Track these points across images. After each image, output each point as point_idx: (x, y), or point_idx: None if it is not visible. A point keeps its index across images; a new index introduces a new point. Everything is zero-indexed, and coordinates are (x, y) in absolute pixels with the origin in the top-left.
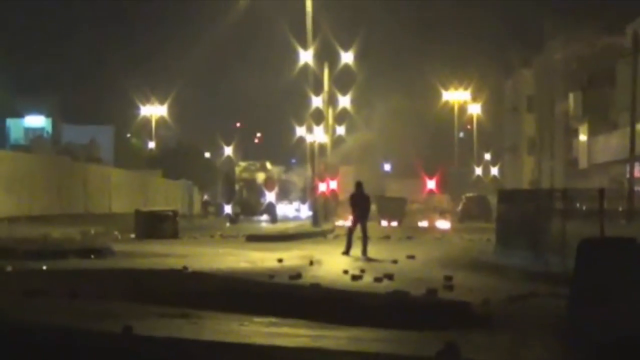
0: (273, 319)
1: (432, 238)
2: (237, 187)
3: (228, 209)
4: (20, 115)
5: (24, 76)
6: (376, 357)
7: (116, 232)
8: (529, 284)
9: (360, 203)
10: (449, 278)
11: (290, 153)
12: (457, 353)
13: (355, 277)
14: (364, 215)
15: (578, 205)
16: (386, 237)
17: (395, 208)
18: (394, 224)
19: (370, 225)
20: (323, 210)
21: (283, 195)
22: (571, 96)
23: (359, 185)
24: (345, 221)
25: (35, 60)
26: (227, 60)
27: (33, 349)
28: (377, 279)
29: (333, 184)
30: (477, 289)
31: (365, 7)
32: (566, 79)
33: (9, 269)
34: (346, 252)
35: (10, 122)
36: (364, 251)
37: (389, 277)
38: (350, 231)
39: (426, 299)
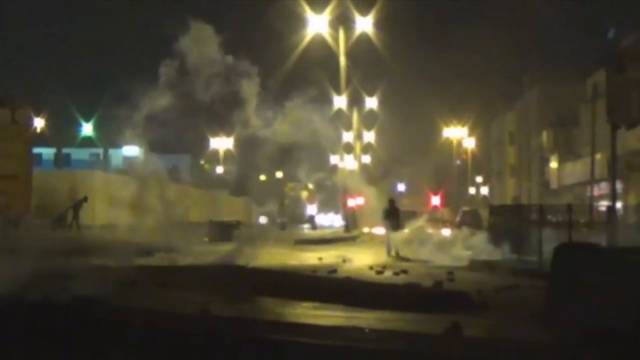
0: (316, 304)
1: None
2: (286, 201)
3: (279, 219)
4: (118, 146)
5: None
6: (397, 334)
7: (193, 238)
8: (513, 278)
9: (393, 215)
10: (451, 273)
11: (327, 177)
12: (460, 331)
13: (378, 272)
14: (396, 225)
15: (550, 217)
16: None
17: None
18: (405, 232)
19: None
20: (352, 220)
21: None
22: (544, 133)
23: (392, 202)
24: (369, 229)
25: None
26: (265, 103)
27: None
28: (396, 273)
29: (360, 200)
30: (473, 282)
31: (385, 61)
32: (540, 119)
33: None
34: (389, 252)
35: (112, 151)
36: (397, 251)
37: (405, 272)
38: (388, 237)
39: (434, 289)
